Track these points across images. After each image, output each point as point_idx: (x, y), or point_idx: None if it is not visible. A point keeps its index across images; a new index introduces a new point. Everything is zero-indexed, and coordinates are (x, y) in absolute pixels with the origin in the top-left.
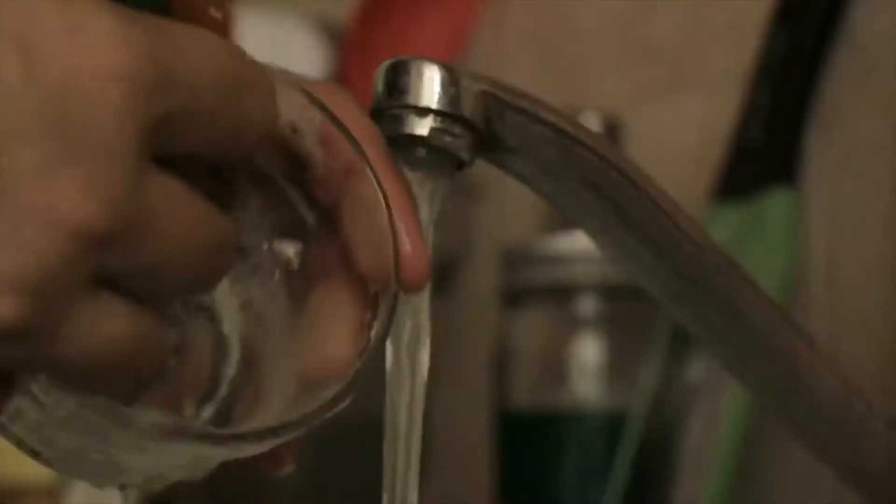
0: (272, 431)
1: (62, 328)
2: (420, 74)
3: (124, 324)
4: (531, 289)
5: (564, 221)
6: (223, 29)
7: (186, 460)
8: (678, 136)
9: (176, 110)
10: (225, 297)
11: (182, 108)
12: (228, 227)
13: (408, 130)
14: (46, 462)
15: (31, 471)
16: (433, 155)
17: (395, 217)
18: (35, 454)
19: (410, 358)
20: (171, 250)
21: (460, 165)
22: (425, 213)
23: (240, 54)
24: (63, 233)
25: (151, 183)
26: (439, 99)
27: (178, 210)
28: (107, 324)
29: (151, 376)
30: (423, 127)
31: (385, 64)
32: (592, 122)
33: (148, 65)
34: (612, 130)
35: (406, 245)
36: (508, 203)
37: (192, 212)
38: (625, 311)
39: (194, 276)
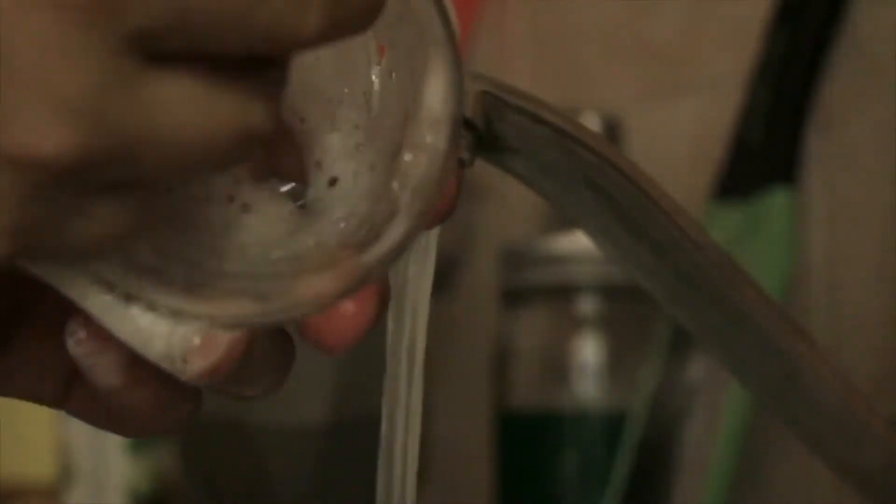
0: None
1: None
2: None
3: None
4: (531, 289)
5: (564, 221)
6: None
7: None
8: (678, 136)
9: (161, 26)
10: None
11: (169, 21)
12: (260, 114)
13: None
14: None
15: (31, 471)
16: None
17: None
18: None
19: (408, 357)
20: (179, 146)
21: (460, 165)
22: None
23: None
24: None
25: (143, 88)
26: None
27: (182, 110)
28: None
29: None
30: None
31: None
32: (592, 122)
33: None
34: (612, 130)
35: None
36: (508, 203)
37: (202, 108)
38: (625, 311)
39: (212, 163)
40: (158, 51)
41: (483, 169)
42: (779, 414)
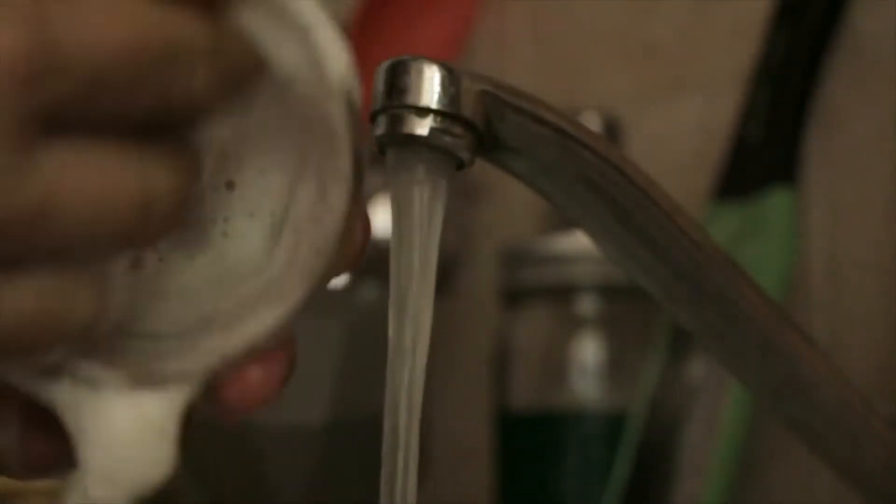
0: None
1: None
2: (420, 74)
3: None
4: (531, 289)
5: (564, 221)
6: None
7: None
8: (678, 136)
9: (69, 94)
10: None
11: (77, 91)
12: (164, 183)
13: (408, 130)
14: None
15: None
16: (433, 155)
17: None
18: None
19: (410, 357)
20: (80, 220)
21: (460, 165)
22: (426, 213)
23: (156, 17)
24: None
25: (42, 161)
26: (439, 99)
27: (82, 181)
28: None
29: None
30: (423, 127)
31: (385, 64)
32: (592, 122)
33: (35, 48)
34: (612, 130)
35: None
36: (508, 203)
37: (102, 178)
38: (625, 311)
39: (115, 237)
40: (57, 121)
41: (483, 169)
42: (779, 414)
